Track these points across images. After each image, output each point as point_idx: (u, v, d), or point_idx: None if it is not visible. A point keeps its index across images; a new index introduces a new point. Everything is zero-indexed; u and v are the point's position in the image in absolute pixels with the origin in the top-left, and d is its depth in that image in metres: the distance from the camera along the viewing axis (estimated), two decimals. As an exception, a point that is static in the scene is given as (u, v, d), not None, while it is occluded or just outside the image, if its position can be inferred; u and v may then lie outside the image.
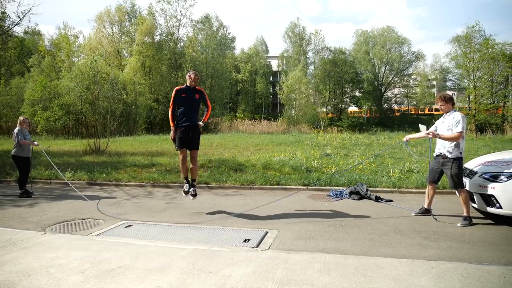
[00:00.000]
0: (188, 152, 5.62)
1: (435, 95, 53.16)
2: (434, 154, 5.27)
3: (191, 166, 5.68)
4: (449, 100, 5.11)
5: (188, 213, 5.65)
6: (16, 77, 34.34)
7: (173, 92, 5.49)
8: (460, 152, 4.94)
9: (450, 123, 4.97)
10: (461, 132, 4.83)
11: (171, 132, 5.47)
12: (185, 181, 5.79)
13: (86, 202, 6.60)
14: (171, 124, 5.47)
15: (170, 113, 5.46)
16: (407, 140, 5.56)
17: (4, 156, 11.32)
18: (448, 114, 5.10)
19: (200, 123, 5.59)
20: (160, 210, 5.98)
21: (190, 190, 5.75)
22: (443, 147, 5.06)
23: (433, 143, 5.40)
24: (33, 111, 24.45)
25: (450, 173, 4.91)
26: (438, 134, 5.00)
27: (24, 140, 7.17)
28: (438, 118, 5.53)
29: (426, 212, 5.35)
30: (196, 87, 5.54)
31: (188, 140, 5.46)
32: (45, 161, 9.26)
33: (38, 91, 24.98)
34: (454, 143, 4.90)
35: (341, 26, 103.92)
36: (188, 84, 5.50)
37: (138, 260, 3.59)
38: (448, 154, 4.97)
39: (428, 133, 5.09)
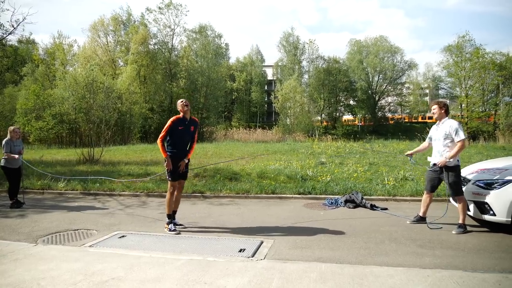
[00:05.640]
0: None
1: (428, 103, 53.74)
2: (431, 163, 5.23)
3: (176, 196, 5.40)
4: (443, 107, 5.15)
5: (183, 223, 5.59)
6: (9, 86, 34.12)
7: (169, 122, 5.17)
8: (458, 160, 4.97)
9: (446, 131, 4.96)
10: (464, 140, 4.85)
11: (167, 162, 5.17)
12: (168, 219, 5.28)
13: (79, 212, 6.51)
14: (164, 154, 5.20)
15: (160, 142, 5.20)
16: (410, 155, 5.65)
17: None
18: (442, 121, 5.13)
19: (186, 160, 5.30)
20: (155, 220, 5.92)
21: (176, 225, 5.32)
22: (439, 155, 5.04)
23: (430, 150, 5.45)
24: (26, 121, 24.24)
25: (449, 181, 4.91)
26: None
27: (9, 154, 7.00)
28: (431, 126, 5.57)
29: (421, 220, 5.36)
30: (192, 117, 5.41)
31: (181, 172, 5.33)
32: (37, 171, 9.16)
33: (31, 99, 24.81)
34: (451, 152, 4.89)
35: (340, 35, 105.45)
36: (184, 116, 5.26)
37: (132, 271, 3.54)
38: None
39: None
